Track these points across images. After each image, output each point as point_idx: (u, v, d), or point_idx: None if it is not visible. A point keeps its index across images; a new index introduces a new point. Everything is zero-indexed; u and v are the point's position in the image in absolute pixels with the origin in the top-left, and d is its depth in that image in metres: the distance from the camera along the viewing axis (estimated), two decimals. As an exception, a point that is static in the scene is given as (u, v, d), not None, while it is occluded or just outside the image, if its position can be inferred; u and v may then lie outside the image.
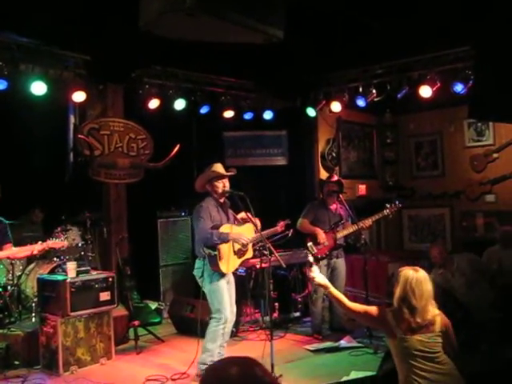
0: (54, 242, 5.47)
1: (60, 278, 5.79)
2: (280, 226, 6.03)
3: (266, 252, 5.37)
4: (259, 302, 7.45)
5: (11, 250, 5.48)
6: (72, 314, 5.63)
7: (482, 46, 6.50)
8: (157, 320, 7.43)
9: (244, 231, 5.50)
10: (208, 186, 5.51)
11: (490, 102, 6.00)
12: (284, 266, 5.56)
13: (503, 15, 5.80)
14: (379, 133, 10.41)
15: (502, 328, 5.72)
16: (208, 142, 8.76)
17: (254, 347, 6.31)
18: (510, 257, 7.53)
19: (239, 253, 5.48)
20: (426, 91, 7.66)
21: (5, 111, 6.92)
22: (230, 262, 5.34)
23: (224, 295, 5.36)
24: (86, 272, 5.98)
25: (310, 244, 6.75)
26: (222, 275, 5.36)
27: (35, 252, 5.50)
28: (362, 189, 9.81)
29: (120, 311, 6.61)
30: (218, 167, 5.55)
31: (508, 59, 5.85)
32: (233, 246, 5.39)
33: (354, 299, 7.50)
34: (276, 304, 7.40)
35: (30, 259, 6.71)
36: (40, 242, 5.48)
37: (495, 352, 5.22)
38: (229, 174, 5.57)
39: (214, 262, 5.24)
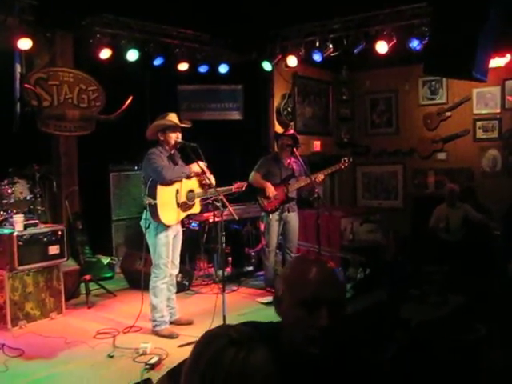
0: None
1: (7, 231, 5.62)
2: (235, 187, 5.94)
3: (218, 204, 5.31)
4: (212, 257, 7.45)
5: None
6: (20, 268, 5.49)
7: (437, 1, 6.49)
8: (109, 275, 7.35)
9: (190, 184, 5.40)
10: (160, 135, 5.35)
11: (444, 57, 6.02)
12: (236, 218, 5.49)
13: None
14: (335, 89, 10.39)
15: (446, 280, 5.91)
16: (162, 95, 8.54)
17: (206, 300, 6.31)
18: (456, 215, 7.73)
19: (184, 206, 5.34)
20: (382, 47, 7.65)
21: None
22: (172, 214, 5.21)
23: (166, 250, 5.27)
24: (34, 225, 5.81)
25: (259, 197, 6.73)
26: (168, 227, 5.25)
27: None
28: (317, 145, 9.82)
29: (71, 266, 6.49)
30: (173, 117, 5.40)
31: (463, 15, 5.85)
32: (176, 198, 5.27)
33: (306, 253, 7.64)
34: (229, 258, 7.42)
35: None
36: None
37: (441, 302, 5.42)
38: (184, 125, 5.44)
39: (154, 211, 5.11)
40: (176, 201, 5.27)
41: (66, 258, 6.00)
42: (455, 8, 5.93)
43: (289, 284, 1.74)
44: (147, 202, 5.14)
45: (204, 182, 5.38)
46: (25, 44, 6.83)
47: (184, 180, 5.35)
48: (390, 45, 7.57)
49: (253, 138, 9.20)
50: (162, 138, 5.37)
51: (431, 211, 8.01)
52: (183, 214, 5.41)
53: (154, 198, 5.11)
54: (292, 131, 7.15)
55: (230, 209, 5.28)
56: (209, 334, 1.39)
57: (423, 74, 9.14)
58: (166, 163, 5.24)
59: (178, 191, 5.28)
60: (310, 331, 1.63)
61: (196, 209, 5.54)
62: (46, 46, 7.40)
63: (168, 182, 5.17)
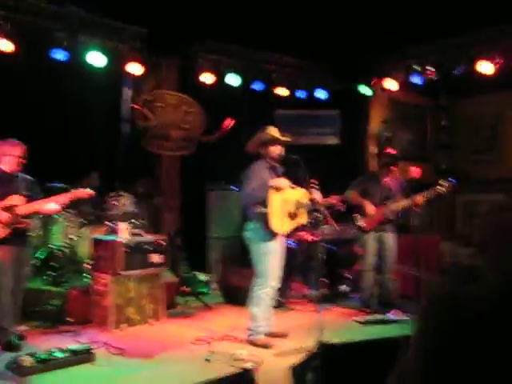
0: (80, 191, 5.22)
1: (113, 238, 5.93)
2: (334, 199, 5.95)
3: (318, 215, 5.33)
4: (308, 277, 7.43)
5: (37, 203, 5.05)
6: (123, 273, 5.76)
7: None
8: (205, 290, 7.49)
9: (298, 195, 5.45)
10: (261, 148, 5.47)
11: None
12: (337, 229, 5.50)
13: None
14: (434, 115, 10.24)
15: None
16: (260, 119, 8.74)
17: (301, 317, 6.33)
18: None
19: (292, 216, 5.36)
20: (486, 67, 7.45)
21: (64, 81, 7.11)
22: (283, 222, 5.26)
23: (271, 260, 5.30)
24: (139, 234, 6.09)
25: (356, 216, 6.67)
26: (273, 237, 5.30)
27: (63, 201, 5.19)
28: (415, 171, 9.65)
29: (170, 278, 6.71)
30: (274, 131, 5.47)
31: None
32: (286, 208, 5.32)
33: (403, 277, 7.45)
34: (325, 279, 7.35)
35: (83, 223, 6.88)
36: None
37: None
38: (285, 139, 5.53)
39: (265, 220, 5.16)
40: (286, 210, 5.33)
41: (166, 267, 6.22)
42: None
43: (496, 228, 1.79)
44: (258, 210, 5.20)
45: (310, 193, 5.39)
46: (134, 69, 7.32)
47: (292, 191, 5.41)
48: (494, 64, 7.38)
49: (349, 164, 9.15)
50: (263, 152, 5.48)
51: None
52: (292, 224, 5.43)
53: (265, 206, 5.19)
54: (391, 150, 7.07)
55: (330, 219, 5.29)
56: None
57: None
58: (263, 179, 5.28)
59: (287, 201, 5.34)
60: None
61: (303, 219, 5.55)
62: (152, 71, 7.88)
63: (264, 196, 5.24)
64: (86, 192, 5.25)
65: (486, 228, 1.82)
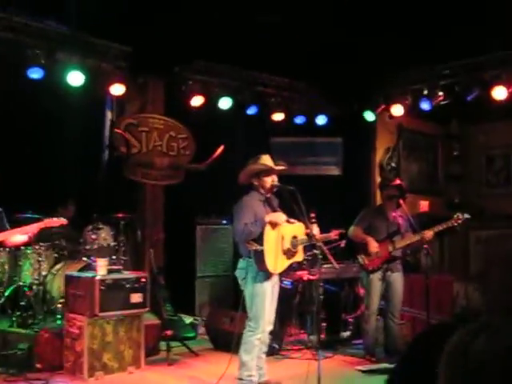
0: (50, 220, 5.23)
1: (89, 274, 5.81)
2: (333, 234, 5.95)
3: (316, 251, 5.25)
4: (305, 321, 7.30)
5: (3, 234, 5.08)
6: (100, 314, 5.62)
7: None
8: (191, 335, 7.34)
9: (294, 230, 5.37)
10: (255, 179, 5.40)
11: None
12: (336, 267, 5.43)
13: None
14: (444, 144, 10.24)
15: None
16: (254, 146, 8.69)
17: (297, 365, 6.16)
18: None
19: (288, 253, 5.29)
20: (499, 93, 7.47)
21: (39, 101, 7.08)
22: (278, 261, 5.15)
23: (265, 302, 5.21)
24: (118, 271, 5.99)
25: (359, 254, 6.58)
26: (268, 277, 5.20)
27: (32, 233, 5.24)
28: (424, 205, 9.61)
29: (151, 320, 6.56)
30: (267, 160, 5.43)
31: None
32: (282, 245, 5.23)
33: (411, 321, 7.32)
34: (323, 324, 7.22)
35: (57, 259, 6.78)
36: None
37: None
38: (280, 168, 5.48)
39: (260, 258, 5.06)
40: (281, 247, 5.24)
41: (148, 308, 6.08)
42: None
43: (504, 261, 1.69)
44: (253, 248, 5.11)
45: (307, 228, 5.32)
46: (117, 89, 7.28)
47: (288, 225, 5.33)
48: (510, 90, 7.38)
49: (353, 196, 9.09)
50: (256, 183, 5.41)
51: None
52: (288, 262, 5.35)
53: (261, 243, 5.09)
54: (398, 181, 7.00)
55: (330, 257, 5.22)
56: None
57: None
58: (257, 213, 5.23)
59: (283, 237, 5.26)
60: None
61: (299, 257, 5.48)
62: (137, 93, 7.84)
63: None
64: (58, 221, 5.20)
65: (488, 256, 1.74)
